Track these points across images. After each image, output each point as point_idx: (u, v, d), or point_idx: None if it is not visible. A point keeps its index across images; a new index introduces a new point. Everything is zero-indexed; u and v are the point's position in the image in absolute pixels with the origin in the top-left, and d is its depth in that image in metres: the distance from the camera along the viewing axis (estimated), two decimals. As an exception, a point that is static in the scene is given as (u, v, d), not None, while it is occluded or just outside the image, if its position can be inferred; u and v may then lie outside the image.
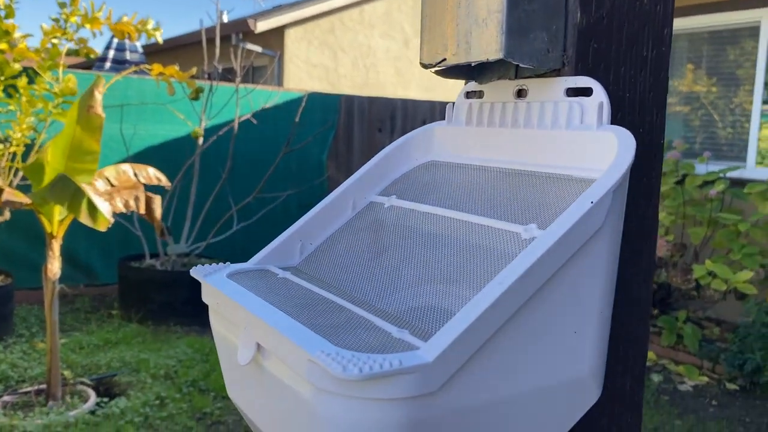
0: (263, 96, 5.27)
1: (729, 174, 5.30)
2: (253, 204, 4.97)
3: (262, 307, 0.55)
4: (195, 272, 0.65)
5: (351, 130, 6.03)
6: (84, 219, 3.05)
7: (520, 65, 0.60)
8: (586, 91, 0.62)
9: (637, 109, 0.68)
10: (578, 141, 0.61)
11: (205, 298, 0.64)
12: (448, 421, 0.48)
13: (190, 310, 4.43)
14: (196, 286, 4.50)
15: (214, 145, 4.76)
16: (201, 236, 4.80)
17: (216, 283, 0.61)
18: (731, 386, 4.40)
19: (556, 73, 0.65)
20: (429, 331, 0.52)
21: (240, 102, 4.93)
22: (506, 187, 0.65)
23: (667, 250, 4.82)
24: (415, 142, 0.77)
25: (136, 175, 4.00)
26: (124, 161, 4.34)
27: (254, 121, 4.92)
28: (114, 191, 3.89)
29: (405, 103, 6.31)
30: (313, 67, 8.70)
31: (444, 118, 0.73)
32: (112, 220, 3.12)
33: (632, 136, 0.56)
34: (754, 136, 5.46)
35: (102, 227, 3.08)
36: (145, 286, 4.48)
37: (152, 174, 4.06)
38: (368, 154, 6.16)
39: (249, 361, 0.55)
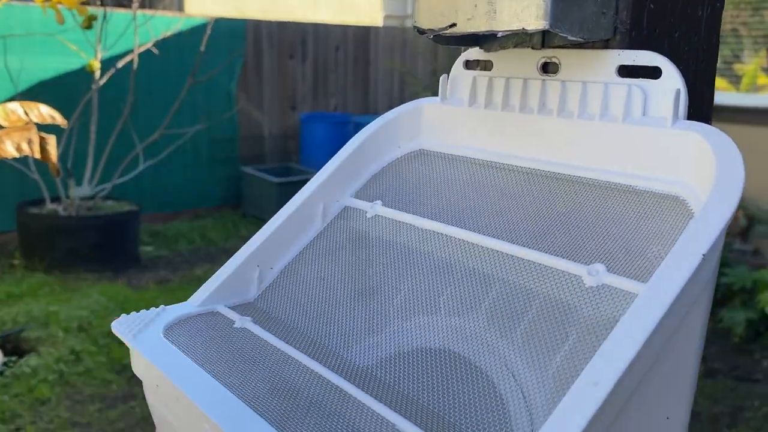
0: (164, 23, 4.86)
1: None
2: (159, 141, 4.64)
3: (224, 405, 0.38)
4: (119, 328, 0.47)
5: (260, 57, 5.70)
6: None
7: (569, 37, 0.43)
8: (650, 72, 0.46)
9: (689, 83, 0.53)
10: (642, 140, 0.45)
11: (138, 370, 0.46)
12: None
13: (99, 257, 4.15)
14: (105, 230, 4.19)
15: (114, 79, 4.37)
16: (105, 177, 4.46)
17: (151, 354, 0.43)
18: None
19: (603, 43, 0.48)
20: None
21: (139, 30, 4.52)
22: (539, 198, 0.49)
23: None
24: (398, 125, 0.59)
25: (27, 113, 3.63)
26: (12, 99, 3.92)
27: (155, 51, 4.54)
28: (3, 134, 3.51)
29: (317, 27, 5.99)
30: (215, -12, 8.13)
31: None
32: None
33: (730, 139, 0.41)
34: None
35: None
36: (48, 233, 4.15)
37: (45, 112, 3.68)
38: (281, 83, 5.86)
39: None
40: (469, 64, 0.56)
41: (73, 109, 4.20)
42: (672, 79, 0.44)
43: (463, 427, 0.38)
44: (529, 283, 0.43)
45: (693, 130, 0.43)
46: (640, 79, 0.46)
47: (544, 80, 0.50)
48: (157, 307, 0.50)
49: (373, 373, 0.44)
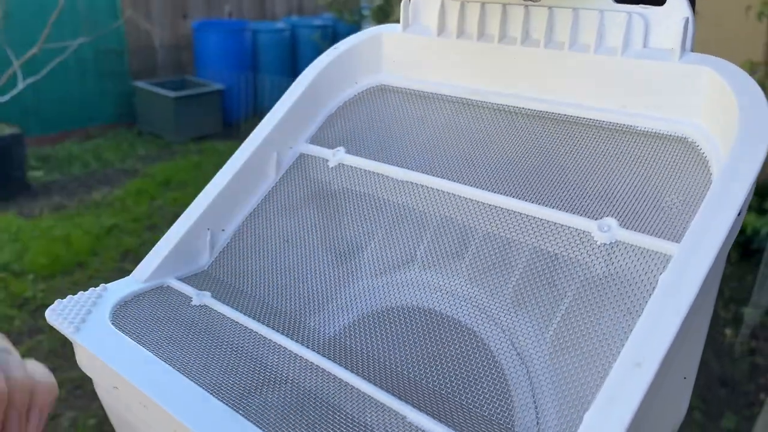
0: None
1: None
2: (39, 56, 4.28)
3: (205, 411, 0.33)
4: (54, 318, 0.40)
5: (144, -40, 5.30)
6: None
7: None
8: (651, -3, 0.41)
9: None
10: (645, 75, 0.40)
11: (86, 368, 0.39)
12: None
13: (-17, 185, 3.86)
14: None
15: (-21, -12, 3.96)
16: (-20, 99, 4.11)
17: (104, 352, 0.37)
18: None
19: (596, -37, 0.43)
20: (499, 423, 0.32)
21: (4, -69, 4.09)
22: (525, 141, 0.44)
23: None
24: (353, 58, 0.52)
25: None
26: None
27: (26, -44, 4.13)
28: None
29: (203, -74, 5.60)
30: None
31: None
32: None
33: (748, 75, 0.37)
34: None
35: None
36: None
37: None
38: (167, -11, 5.47)
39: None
40: (434, -13, 0.49)
41: (-63, 23, 3.80)
42: (679, 6, 0.40)
43: (459, 398, 0.34)
44: (524, 239, 0.39)
45: (705, 64, 0.38)
46: (641, 6, 0.41)
47: (527, 6, 0.45)
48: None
49: (357, 349, 0.39)
